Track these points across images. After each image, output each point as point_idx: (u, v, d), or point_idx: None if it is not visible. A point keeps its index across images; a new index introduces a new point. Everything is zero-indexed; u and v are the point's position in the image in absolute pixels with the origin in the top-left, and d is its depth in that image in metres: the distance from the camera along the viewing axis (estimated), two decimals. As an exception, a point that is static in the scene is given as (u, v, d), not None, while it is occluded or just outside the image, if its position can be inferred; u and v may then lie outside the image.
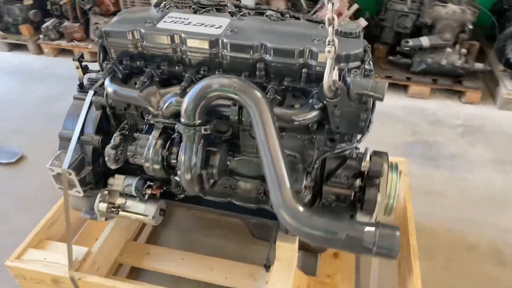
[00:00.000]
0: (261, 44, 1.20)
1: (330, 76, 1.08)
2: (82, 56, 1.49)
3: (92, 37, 3.74)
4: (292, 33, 1.27)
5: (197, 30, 1.28)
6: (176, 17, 1.33)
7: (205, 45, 1.24)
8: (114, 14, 3.63)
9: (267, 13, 1.37)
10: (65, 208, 1.42)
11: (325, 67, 1.07)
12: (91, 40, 3.76)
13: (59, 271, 1.48)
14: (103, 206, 1.45)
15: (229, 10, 1.38)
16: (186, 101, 1.13)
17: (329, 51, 1.06)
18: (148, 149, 1.29)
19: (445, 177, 2.46)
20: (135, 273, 1.85)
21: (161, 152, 1.30)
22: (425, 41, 3.06)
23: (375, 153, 1.31)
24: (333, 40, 1.04)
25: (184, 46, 1.27)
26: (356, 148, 1.31)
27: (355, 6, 3.12)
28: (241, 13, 1.35)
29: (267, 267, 1.48)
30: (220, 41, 1.23)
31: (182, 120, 1.16)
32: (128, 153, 1.37)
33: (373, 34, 3.40)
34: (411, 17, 3.14)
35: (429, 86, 3.20)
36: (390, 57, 3.26)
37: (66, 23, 3.74)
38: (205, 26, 1.29)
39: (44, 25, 3.77)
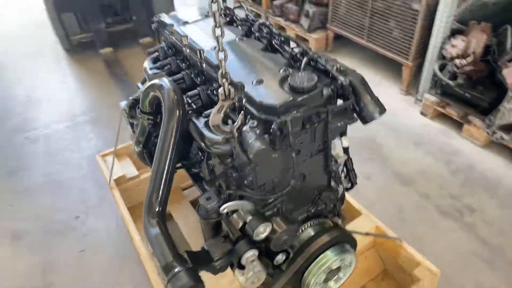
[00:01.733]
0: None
1: (215, 116, 1.03)
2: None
3: (302, 22, 4.09)
4: (262, 65, 1.21)
5: (200, 38, 1.40)
6: (200, 23, 1.49)
7: (197, 53, 1.36)
8: (326, 5, 3.83)
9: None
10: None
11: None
12: (300, 25, 4.12)
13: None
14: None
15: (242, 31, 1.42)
16: (140, 94, 1.34)
17: (221, 93, 1.01)
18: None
19: None
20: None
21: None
22: None
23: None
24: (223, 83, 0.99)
25: (188, 49, 1.42)
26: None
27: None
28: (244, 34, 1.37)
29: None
30: (202, 53, 1.33)
31: (140, 106, 1.38)
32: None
33: None
34: None
35: None
36: None
37: (289, 4, 4.23)
38: (208, 35, 1.39)
39: (276, 2, 4.38)
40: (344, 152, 1.42)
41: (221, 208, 1.06)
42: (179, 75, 1.42)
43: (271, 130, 1.01)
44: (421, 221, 2.24)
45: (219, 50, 0.99)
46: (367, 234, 1.53)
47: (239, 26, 1.49)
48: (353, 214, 1.78)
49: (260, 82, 1.11)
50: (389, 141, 2.81)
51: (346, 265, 1.32)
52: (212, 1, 0.94)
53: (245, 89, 1.10)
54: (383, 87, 3.40)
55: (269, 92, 1.07)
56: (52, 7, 3.85)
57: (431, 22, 2.86)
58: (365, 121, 1.23)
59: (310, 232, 1.29)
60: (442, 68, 2.88)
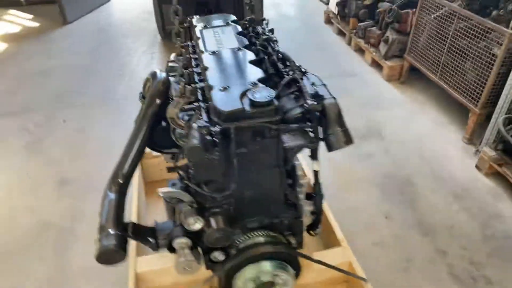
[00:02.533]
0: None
1: (171, 110, 1.15)
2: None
3: (380, 47, 3.97)
4: (241, 75, 1.30)
5: (209, 41, 1.53)
6: (217, 29, 1.62)
7: (200, 55, 1.50)
8: (407, 34, 3.68)
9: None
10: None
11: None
12: (378, 50, 4.00)
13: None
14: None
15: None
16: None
17: (176, 91, 1.13)
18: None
19: None
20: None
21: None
22: None
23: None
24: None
25: (197, 49, 1.57)
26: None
27: None
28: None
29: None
30: (201, 54, 1.46)
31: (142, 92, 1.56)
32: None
33: None
34: None
35: None
36: None
37: (373, 28, 4.13)
38: (216, 41, 1.52)
39: (361, 24, 4.32)
40: (315, 176, 1.43)
41: (159, 192, 1.18)
42: (185, 71, 1.57)
43: (213, 133, 1.10)
44: (425, 277, 2.07)
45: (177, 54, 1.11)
46: (328, 266, 1.51)
47: (249, 38, 1.59)
48: (332, 242, 1.75)
49: (225, 89, 1.21)
50: (427, 185, 2.62)
51: (280, 284, 1.33)
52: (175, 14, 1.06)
53: (211, 92, 1.20)
54: (446, 130, 3.15)
55: (226, 99, 1.16)
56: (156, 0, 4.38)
57: (508, 71, 2.58)
58: (329, 148, 1.24)
59: (255, 239, 1.34)
60: (509, 122, 2.58)
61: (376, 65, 4.08)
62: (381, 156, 2.90)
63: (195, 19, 1.75)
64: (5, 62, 4.36)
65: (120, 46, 4.79)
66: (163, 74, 1.41)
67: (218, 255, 1.33)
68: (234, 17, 1.75)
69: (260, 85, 1.21)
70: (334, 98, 1.34)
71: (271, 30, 1.62)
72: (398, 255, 2.17)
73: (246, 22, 1.73)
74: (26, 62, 4.36)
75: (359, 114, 3.34)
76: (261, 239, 1.33)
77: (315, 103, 1.20)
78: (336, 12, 4.88)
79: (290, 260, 1.35)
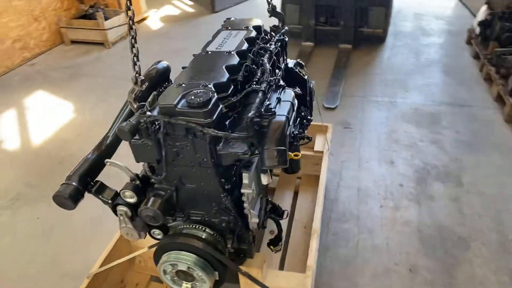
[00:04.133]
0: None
1: (129, 95, 1.30)
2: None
3: (509, 81, 3.29)
4: (208, 77, 1.36)
5: (215, 42, 1.62)
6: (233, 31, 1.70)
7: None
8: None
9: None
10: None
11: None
12: (507, 83, 3.33)
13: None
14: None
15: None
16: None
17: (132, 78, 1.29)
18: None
19: None
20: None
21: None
22: None
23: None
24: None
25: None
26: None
27: None
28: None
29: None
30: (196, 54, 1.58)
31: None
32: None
33: None
34: None
35: None
36: None
37: (510, 56, 3.44)
38: (222, 43, 1.60)
39: (499, 49, 3.65)
40: (264, 191, 1.42)
41: (106, 162, 1.37)
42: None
43: (141, 121, 1.22)
44: None
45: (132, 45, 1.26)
46: (256, 282, 1.47)
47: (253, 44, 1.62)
48: (300, 267, 1.67)
49: (180, 85, 1.31)
50: (484, 256, 2.14)
51: (198, 279, 1.38)
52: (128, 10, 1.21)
53: (169, 86, 1.33)
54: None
55: (169, 94, 1.26)
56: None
57: None
58: (261, 164, 1.24)
59: (190, 230, 1.42)
60: None
61: (501, 100, 3.41)
62: (446, 203, 2.49)
63: (226, 21, 1.87)
64: (152, 40, 5.24)
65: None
66: (164, 64, 1.59)
67: (157, 233, 1.46)
68: (258, 22, 1.79)
69: (209, 88, 1.27)
70: (287, 116, 1.30)
71: (281, 40, 1.61)
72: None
73: (270, 28, 1.76)
74: (167, 41, 5.15)
75: (445, 151, 2.90)
76: (192, 232, 1.40)
77: (254, 116, 1.21)
78: (477, 32, 4.22)
79: (212, 261, 1.39)
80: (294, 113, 1.42)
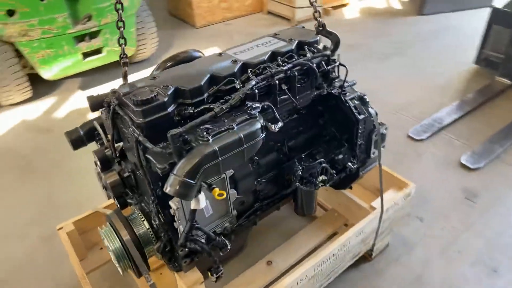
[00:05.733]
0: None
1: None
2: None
3: None
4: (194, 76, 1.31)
5: (243, 47, 1.50)
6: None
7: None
8: None
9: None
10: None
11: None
12: None
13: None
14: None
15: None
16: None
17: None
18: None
19: None
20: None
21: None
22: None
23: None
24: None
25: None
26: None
27: None
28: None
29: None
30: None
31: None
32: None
33: None
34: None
35: None
36: None
37: None
38: (247, 49, 1.47)
39: None
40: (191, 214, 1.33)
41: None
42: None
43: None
44: None
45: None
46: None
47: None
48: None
49: (153, 78, 1.31)
50: None
51: (109, 249, 1.44)
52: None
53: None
54: None
55: (137, 82, 1.30)
56: (489, 17, 3.67)
57: None
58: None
59: (131, 217, 1.47)
60: None
61: None
62: None
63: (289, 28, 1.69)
64: (336, 30, 5.07)
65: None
66: (197, 54, 1.60)
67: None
68: (314, 38, 1.55)
69: (167, 90, 1.23)
70: (215, 150, 1.14)
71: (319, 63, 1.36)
72: None
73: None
74: (350, 34, 4.91)
75: None
76: (132, 220, 1.45)
77: (181, 134, 1.12)
78: None
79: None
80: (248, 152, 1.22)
